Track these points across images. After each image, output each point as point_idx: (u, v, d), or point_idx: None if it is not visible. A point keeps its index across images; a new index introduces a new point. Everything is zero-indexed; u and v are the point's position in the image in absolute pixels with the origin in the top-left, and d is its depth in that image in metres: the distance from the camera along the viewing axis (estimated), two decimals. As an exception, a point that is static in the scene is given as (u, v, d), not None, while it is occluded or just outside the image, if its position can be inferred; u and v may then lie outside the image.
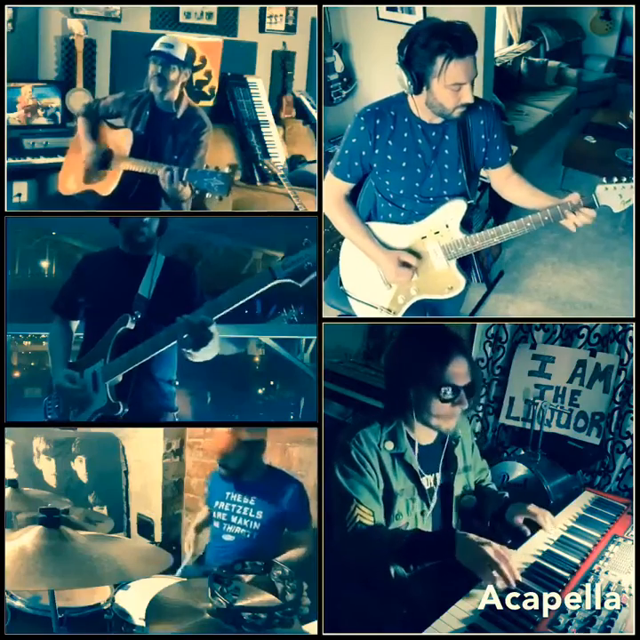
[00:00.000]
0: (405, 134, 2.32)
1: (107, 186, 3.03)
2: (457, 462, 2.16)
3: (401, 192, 2.41)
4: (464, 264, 2.54)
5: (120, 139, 3.02)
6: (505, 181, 2.48)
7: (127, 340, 2.39)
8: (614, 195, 2.26)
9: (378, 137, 2.32)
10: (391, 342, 2.26)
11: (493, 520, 2.16)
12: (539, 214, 2.30)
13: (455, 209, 2.39)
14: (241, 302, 2.23)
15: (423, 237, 2.43)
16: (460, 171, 2.36)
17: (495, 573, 1.73)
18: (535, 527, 2.10)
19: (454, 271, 2.45)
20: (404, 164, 2.36)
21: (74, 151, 3.20)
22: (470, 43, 2.16)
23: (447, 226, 2.40)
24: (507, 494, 2.19)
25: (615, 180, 2.24)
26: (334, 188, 2.44)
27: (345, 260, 2.59)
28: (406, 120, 2.32)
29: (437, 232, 2.41)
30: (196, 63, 3.72)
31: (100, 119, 3.13)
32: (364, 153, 2.35)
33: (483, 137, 2.35)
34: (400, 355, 2.11)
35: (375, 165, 2.38)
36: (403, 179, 2.38)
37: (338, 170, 2.40)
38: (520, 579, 1.76)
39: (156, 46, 2.96)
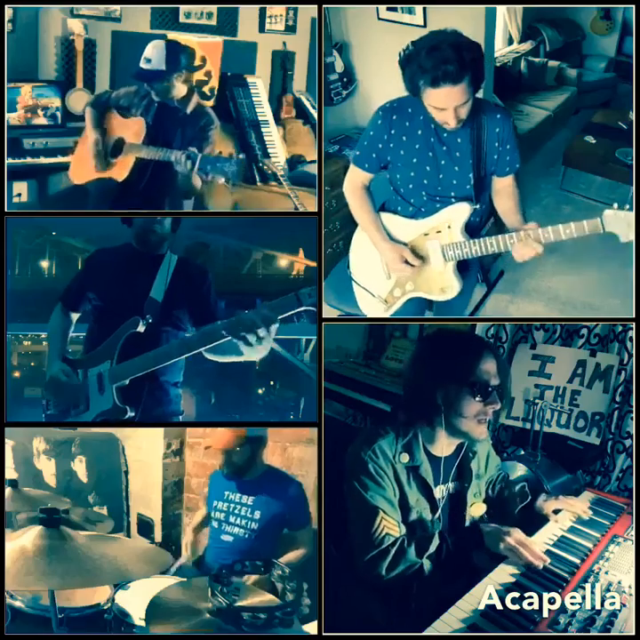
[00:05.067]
0: (419, 131, 2.36)
1: (120, 173, 3.04)
2: (471, 474, 2.13)
3: (410, 187, 2.45)
4: (464, 267, 2.54)
5: (132, 127, 3.03)
6: (501, 190, 2.46)
7: (135, 343, 2.35)
8: (623, 222, 2.15)
9: (393, 132, 2.37)
10: (412, 352, 2.24)
11: (522, 510, 2.22)
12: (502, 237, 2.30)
13: (459, 211, 2.41)
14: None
15: (425, 234, 2.45)
16: (469, 174, 2.38)
17: (525, 553, 1.85)
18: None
19: (450, 274, 2.46)
20: (414, 161, 2.39)
21: (84, 141, 3.19)
22: (454, 73, 2.11)
23: (449, 227, 2.41)
24: (526, 484, 2.24)
25: (627, 206, 2.13)
26: (353, 176, 2.52)
27: (356, 245, 2.65)
28: (422, 118, 2.34)
29: (439, 231, 2.42)
30: (196, 63, 3.72)
31: (110, 109, 3.12)
32: (380, 146, 2.41)
33: (496, 145, 2.36)
34: (425, 360, 2.06)
35: (389, 159, 2.43)
36: (412, 174, 2.42)
37: (357, 159, 2.48)
38: (547, 559, 1.87)
39: (141, 65, 2.94)
